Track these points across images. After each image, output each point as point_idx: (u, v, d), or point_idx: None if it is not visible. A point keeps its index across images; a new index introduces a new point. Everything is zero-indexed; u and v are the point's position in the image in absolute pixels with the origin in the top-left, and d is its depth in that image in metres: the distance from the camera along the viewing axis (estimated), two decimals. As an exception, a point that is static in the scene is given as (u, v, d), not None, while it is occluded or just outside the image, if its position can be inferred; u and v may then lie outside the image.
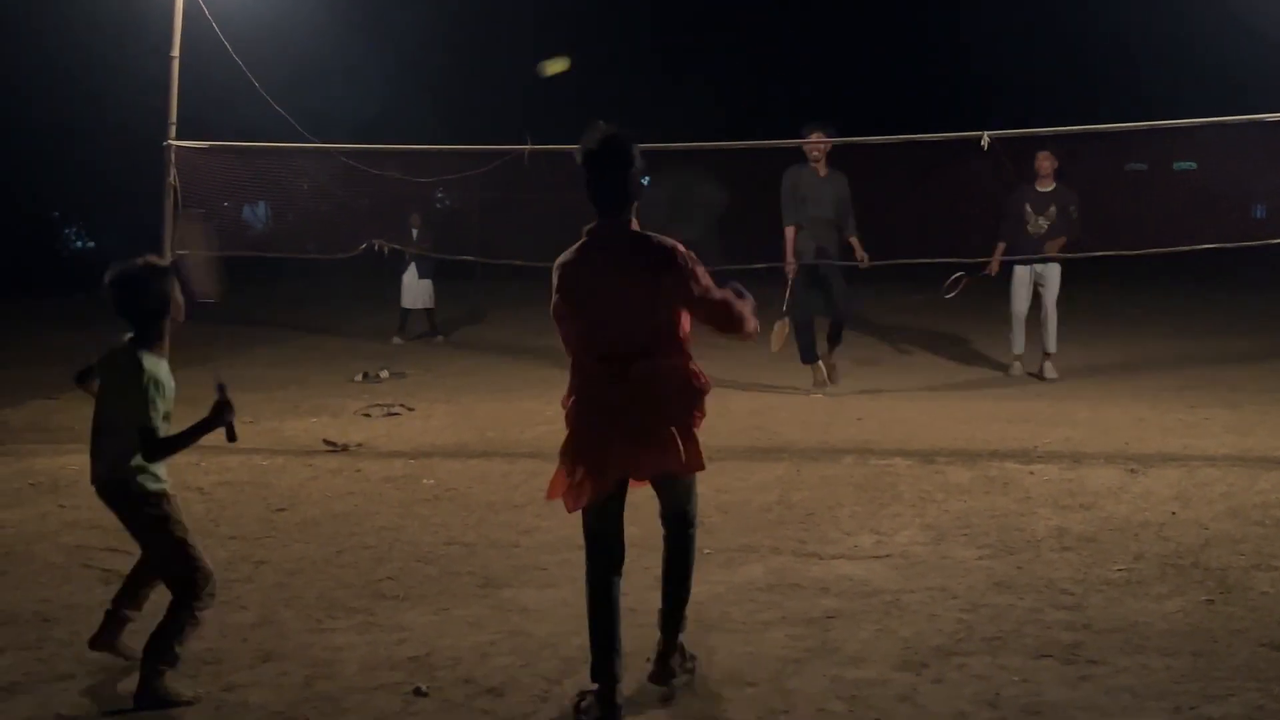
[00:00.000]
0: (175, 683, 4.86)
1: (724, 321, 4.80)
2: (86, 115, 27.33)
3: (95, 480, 5.11)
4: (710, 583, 6.17)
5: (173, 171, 9.95)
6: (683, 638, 5.02)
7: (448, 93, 28.87)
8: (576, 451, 4.85)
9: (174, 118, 9.96)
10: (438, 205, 26.32)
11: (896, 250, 12.23)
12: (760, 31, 32.85)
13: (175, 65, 9.92)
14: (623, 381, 4.70)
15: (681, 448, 4.74)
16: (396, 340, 16.92)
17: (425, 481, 8.51)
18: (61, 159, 29.47)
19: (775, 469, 8.67)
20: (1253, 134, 9.87)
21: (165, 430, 4.96)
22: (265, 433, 10.32)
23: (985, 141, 9.36)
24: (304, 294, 23.01)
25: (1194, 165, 20.92)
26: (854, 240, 11.76)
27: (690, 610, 5.67)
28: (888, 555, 6.58)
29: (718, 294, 4.76)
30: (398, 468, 8.95)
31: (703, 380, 4.86)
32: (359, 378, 13.46)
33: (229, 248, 12.41)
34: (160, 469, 5.03)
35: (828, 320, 12.10)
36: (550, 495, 4.99)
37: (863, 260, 11.62)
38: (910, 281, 16.12)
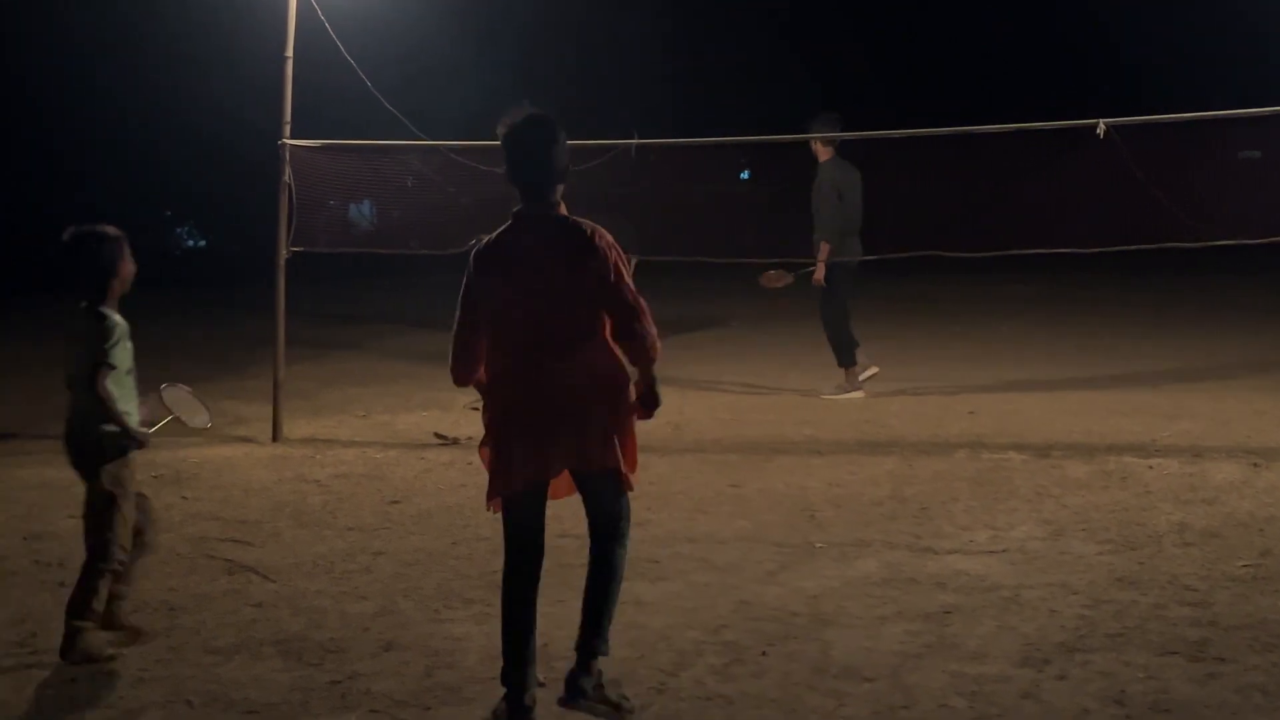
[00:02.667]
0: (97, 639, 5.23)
1: (627, 324, 4.47)
2: (198, 115, 27.91)
3: (65, 437, 5.47)
4: (824, 577, 6.15)
5: (287, 170, 10.11)
6: (602, 662, 4.70)
7: (555, 88, 29.03)
8: (492, 450, 4.63)
9: (288, 117, 10.11)
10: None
11: (1009, 241, 12.05)
12: (864, 20, 32.61)
13: (289, 65, 10.07)
14: (539, 376, 4.49)
15: (596, 446, 4.50)
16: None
17: (536, 474, 8.56)
18: (173, 159, 30.14)
19: (886, 463, 8.60)
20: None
21: (122, 381, 5.40)
22: (378, 426, 10.49)
23: (1101, 129, 9.16)
24: (408, 290, 23.28)
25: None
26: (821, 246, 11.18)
27: (805, 604, 5.69)
28: (1004, 550, 6.50)
29: (632, 294, 4.49)
30: (508, 461, 9.00)
31: (624, 376, 4.59)
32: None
33: (337, 245, 12.63)
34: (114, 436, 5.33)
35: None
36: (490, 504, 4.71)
37: (815, 279, 11.18)
38: (1021, 272, 15.92)
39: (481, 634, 5.46)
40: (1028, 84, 29.88)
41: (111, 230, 5.67)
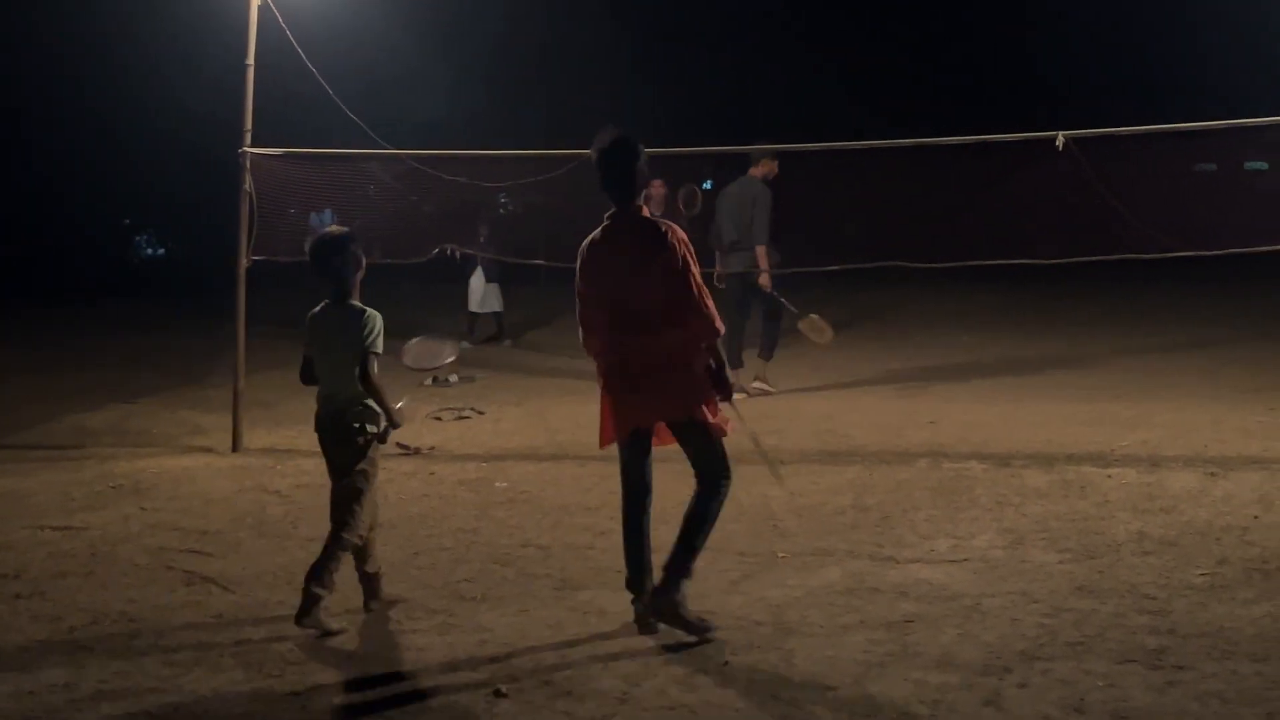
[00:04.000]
0: (325, 614, 5.59)
1: (690, 306, 5.39)
2: (158, 124, 27.74)
3: (320, 421, 5.91)
4: (787, 586, 6.16)
5: (248, 178, 10.06)
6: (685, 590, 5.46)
7: (519, 97, 28.99)
8: (602, 405, 5.66)
9: (249, 125, 10.07)
10: (502, 210, 26.46)
11: (971, 252, 12.16)
12: (834, 35, 32.73)
13: (250, 73, 10.03)
14: (628, 347, 5.47)
15: (675, 399, 5.46)
16: (464, 344, 16.99)
17: (498, 484, 8.56)
18: (132, 167, 29.93)
19: (848, 472, 8.63)
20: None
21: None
22: (339, 436, 10.41)
23: (1060, 142, 9.25)
24: (370, 299, 23.19)
25: (1265, 165, 20.59)
26: None
27: (768, 613, 5.71)
28: (966, 559, 6.53)
29: (696, 282, 5.41)
30: (471, 471, 9.00)
31: (703, 349, 5.48)
32: (429, 381, 13.53)
33: (298, 254, 12.56)
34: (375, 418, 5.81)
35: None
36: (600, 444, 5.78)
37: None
38: (984, 283, 16.03)
39: (444, 644, 5.45)
40: (993, 98, 30.10)
41: (349, 231, 6.05)
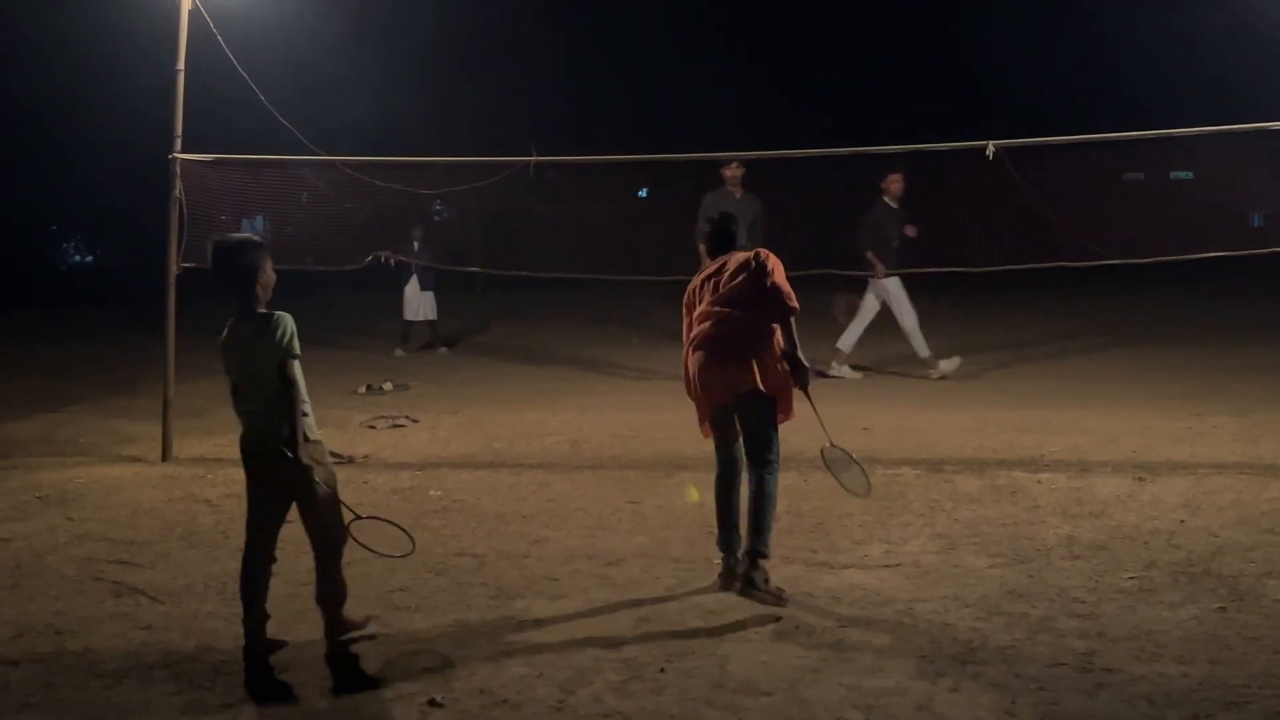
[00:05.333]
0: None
1: (762, 286, 6.20)
2: (86, 130, 27.34)
3: (256, 446, 5.50)
4: (722, 592, 6.18)
5: (178, 185, 9.94)
6: (766, 566, 6.14)
7: (453, 104, 28.86)
8: (697, 399, 6.48)
9: (179, 131, 9.95)
10: (437, 218, 26.33)
11: (903, 260, 12.32)
12: (766, 42, 32.91)
13: (180, 78, 9.92)
14: (714, 337, 6.27)
15: (758, 374, 6.16)
16: (399, 352, 16.92)
17: (433, 493, 8.51)
18: (61, 173, 29.49)
19: (783, 478, 8.48)
20: (1249, 143, 9.85)
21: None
22: (271, 445, 10.31)
23: (990, 151, 9.35)
24: (303, 307, 23.02)
25: (1190, 175, 20.99)
26: None
27: (704, 619, 5.73)
28: (899, 564, 6.58)
29: (783, 285, 6.22)
30: (405, 479, 8.94)
31: (770, 333, 6.23)
32: (363, 390, 13.45)
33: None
34: (312, 422, 5.52)
35: None
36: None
37: None
38: (915, 290, 16.11)
39: (380, 654, 5.41)
40: (927, 107, 30.42)
41: (254, 238, 5.75)
